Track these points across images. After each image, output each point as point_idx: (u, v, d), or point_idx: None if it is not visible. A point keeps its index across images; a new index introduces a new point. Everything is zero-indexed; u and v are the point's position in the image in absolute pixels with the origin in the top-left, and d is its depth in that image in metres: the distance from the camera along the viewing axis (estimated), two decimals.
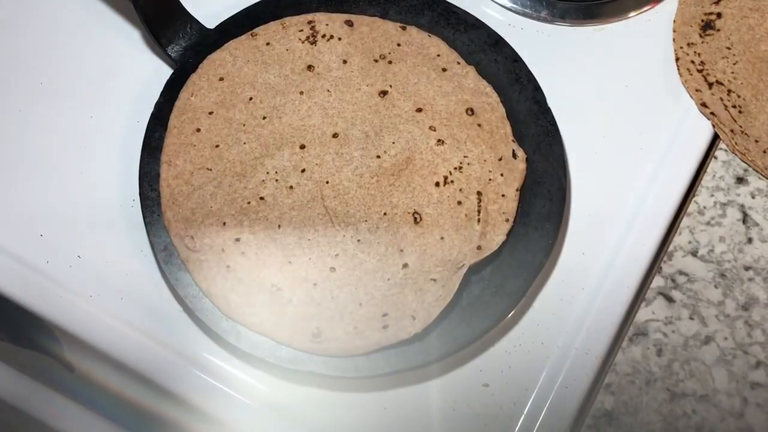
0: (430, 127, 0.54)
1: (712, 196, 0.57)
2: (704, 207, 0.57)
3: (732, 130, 0.57)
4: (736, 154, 0.58)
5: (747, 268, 0.55)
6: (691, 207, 0.57)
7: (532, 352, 0.53)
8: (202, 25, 0.58)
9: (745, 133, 0.57)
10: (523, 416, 0.51)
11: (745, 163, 0.58)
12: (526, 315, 0.54)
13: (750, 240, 0.56)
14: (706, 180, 0.58)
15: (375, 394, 0.52)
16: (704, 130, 0.58)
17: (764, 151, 0.57)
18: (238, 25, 0.58)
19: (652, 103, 0.60)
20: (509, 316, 0.51)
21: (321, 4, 0.59)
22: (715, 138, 0.58)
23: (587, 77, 0.61)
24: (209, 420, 0.52)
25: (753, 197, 0.57)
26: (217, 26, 0.59)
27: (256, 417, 0.51)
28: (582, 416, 0.51)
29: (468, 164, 0.53)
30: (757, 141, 0.57)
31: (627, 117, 0.59)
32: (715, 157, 0.58)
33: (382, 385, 0.52)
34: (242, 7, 0.59)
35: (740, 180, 0.57)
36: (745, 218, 0.56)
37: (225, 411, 0.51)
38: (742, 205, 0.57)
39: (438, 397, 0.52)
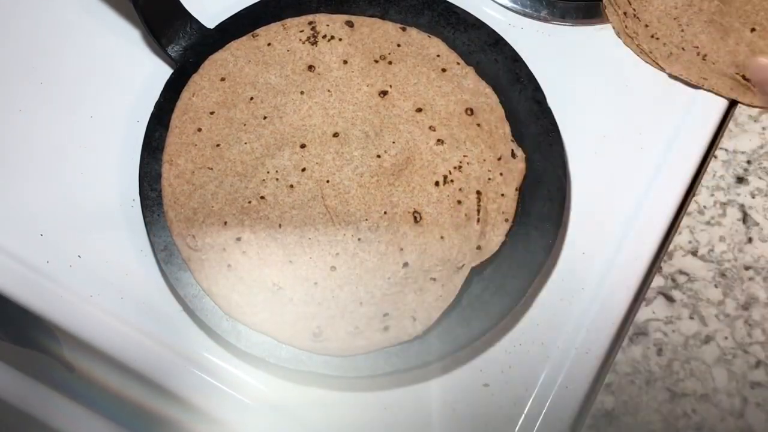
0: (430, 127, 0.54)
1: (712, 195, 0.57)
2: (704, 206, 0.57)
3: (625, 13, 0.59)
4: (621, 37, 0.59)
5: (747, 268, 0.55)
6: (691, 206, 0.57)
7: (532, 352, 0.53)
8: (203, 25, 0.58)
9: (637, 17, 0.59)
10: (523, 416, 0.51)
11: (628, 47, 0.59)
12: (526, 315, 0.54)
13: (750, 239, 0.56)
14: (706, 179, 0.57)
15: (375, 394, 0.52)
16: (705, 129, 0.58)
17: (651, 36, 0.58)
18: (238, 25, 0.58)
19: (652, 103, 0.60)
20: (509, 316, 0.51)
21: (321, 4, 0.59)
22: (716, 138, 0.59)
23: (587, 77, 0.61)
24: (209, 420, 0.52)
25: (753, 197, 0.57)
26: (217, 26, 0.59)
27: (256, 417, 0.51)
28: (582, 416, 0.51)
29: (467, 164, 0.53)
30: (647, 26, 0.59)
31: (627, 117, 0.59)
32: (716, 157, 0.58)
33: (382, 385, 0.52)
34: (242, 7, 0.59)
35: (740, 179, 0.57)
36: (745, 218, 0.56)
37: (225, 411, 0.51)
38: (742, 205, 0.57)
39: (438, 397, 0.52)
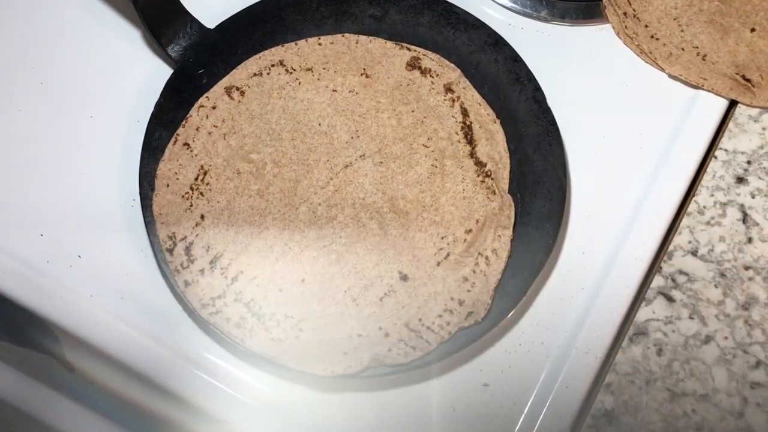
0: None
1: (712, 195, 0.57)
2: (704, 207, 0.57)
3: (625, 13, 0.60)
4: (621, 37, 0.60)
5: (747, 268, 0.55)
6: (691, 207, 0.57)
7: (532, 352, 0.53)
8: (202, 25, 0.58)
9: (637, 17, 0.59)
10: (523, 416, 0.51)
11: (628, 47, 0.60)
12: (526, 315, 0.54)
13: (750, 239, 0.56)
14: (706, 179, 0.58)
15: (375, 394, 0.52)
16: (705, 129, 0.58)
17: (651, 36, 0.59)
18: (238, 25, 0.58)
19: (652, 103, 0.60)
20: (509, 316, 0.51)
21: (321, 4, 0.59)
22: (716, 138, 0.59)
23: (587, 77, 0.61)
24: (209, 420, 0.52)
25: (753, 197, 0.57)
26: (217, 26, 0.59)
27: (256, 417, 0.51)
28: (582, 416, 0.51)
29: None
30: (647, 26, 0.59)
31: (627, 117, 0.59)
32: (715, 157, 0.58)
33: (382, 385, 0.52)
34: (242, 7, 0.59)
35: (740, 180, 0.57)
36: (745, 218, 0.56)
37: (225, 411, 0.51)
38: (742, 205, 0.57)
39: (438, 397, 0.52)
